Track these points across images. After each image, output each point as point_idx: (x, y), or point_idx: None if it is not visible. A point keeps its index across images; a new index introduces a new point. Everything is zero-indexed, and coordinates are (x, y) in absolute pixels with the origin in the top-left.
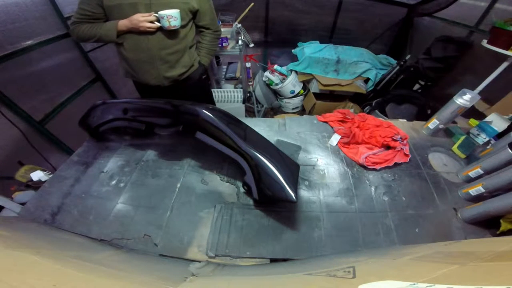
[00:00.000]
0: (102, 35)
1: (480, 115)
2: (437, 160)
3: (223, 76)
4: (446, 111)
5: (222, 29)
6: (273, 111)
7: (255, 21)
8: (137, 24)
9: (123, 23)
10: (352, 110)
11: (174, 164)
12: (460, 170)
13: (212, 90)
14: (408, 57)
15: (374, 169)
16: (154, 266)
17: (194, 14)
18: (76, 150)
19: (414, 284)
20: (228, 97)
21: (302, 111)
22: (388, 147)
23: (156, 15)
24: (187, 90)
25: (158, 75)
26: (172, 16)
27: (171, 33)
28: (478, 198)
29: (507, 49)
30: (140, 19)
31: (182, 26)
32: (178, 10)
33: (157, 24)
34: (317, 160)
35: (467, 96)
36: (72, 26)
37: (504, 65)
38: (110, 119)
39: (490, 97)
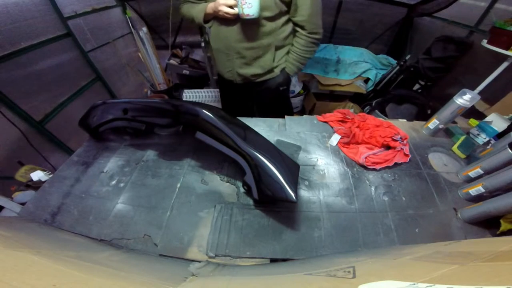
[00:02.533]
0: (194, 17)
1: (480, 115)
2: (437, 160)
3: None
4: (446, 111)
5: None
6: None
7: None
8: (217, 7)
9: (210, 6)
10: (352, 110)
11: (174, 164)
12: (460, 170)
13: (212, 90)
14: (408, 57)
15: (374, 169)
16: (154, 266)
17: (289, 5)
18: (76, 150)
19: (414, 284)
20: None
21: (302, 111)
22: (388, 147)
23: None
24: (262, 97)
25: (232, 69)
26: (246, 2)
27: (253, 25)
28: (478, 198)
29: (507, 49)
30: (220, 2)
31: (269, 19)
32: None
33: (235, 10)
34: (317, 160)
35: (467, 96)
36: (181, 5)
37: (504, 65)
38: (110, 119)
39: (490, 97)
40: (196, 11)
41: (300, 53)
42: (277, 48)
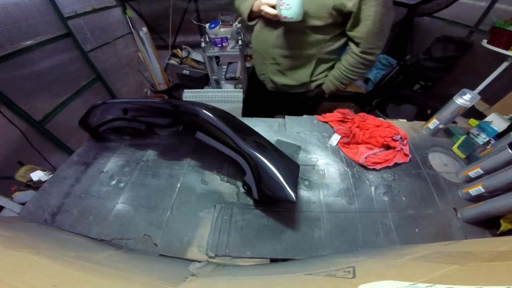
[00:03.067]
0: (241, 12)
1: (480, 115)
2: (437, 160)
3: (223, 76)
4: (446, 111)
5: (222, 29)
6: None
7: None
8: (260, 6)
9: (256, 4)
10: (352, 110)
11: (174, 164)
12: (460, 170)
13: (212, 90)
14: (408, 57)
15: (374, 169)
16: (154, 266)
17: (346, 17)
18: (76, 150)
19: (414, 284)
20: (228, 97)
21: None
22: (388, 147)
23: None
24: (288, 106)
25: (265, 74)
26: (284, 3)
27: (296, 32)
28: (478, 198)
29: (507, 49)
30: (263, 1)
31: (317, 29)
32: None
33: (275, 11)
34: (317, 160)
35: (467, 96)
36: None
37: (504, 65)
38: (110, 119)
39: (490, 97)
40: (244, 7)
41: (345, 72)
42: (320, 61)
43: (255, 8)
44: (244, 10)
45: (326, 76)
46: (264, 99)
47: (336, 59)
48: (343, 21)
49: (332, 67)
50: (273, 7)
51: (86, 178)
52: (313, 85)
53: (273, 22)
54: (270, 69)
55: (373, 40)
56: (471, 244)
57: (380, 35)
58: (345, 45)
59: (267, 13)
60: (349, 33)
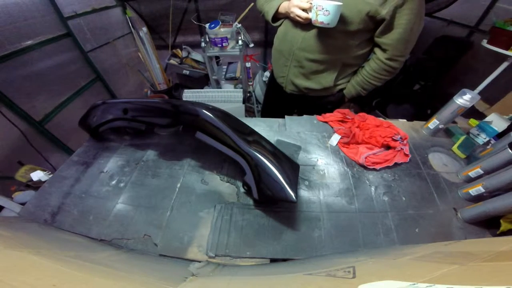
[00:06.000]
0: (265, 12)
1: (480, 115)
2: (437, 160)
3: (223, 76)
4: (446, 111)
5: (222, 29)
6: None
7: (255, 21)
8: (290, 8)
9: (283, 5)
10: (352, 110)
11: (174, 164)
12: (460, 170)
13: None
14: (408, 57)
15: (374, 169)
16: (154, 266)
17: (377, 23)
18: (76, 150)
19: (414, 284)
20: (228, 97)
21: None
22: (388, 147)
23: (312, 3)
24: (306, 109)
25: (286, 76)
26: (322, 8)
27: (325, 37)
28: (478, 198)
29: (507, 49)
30: (294, 3)
31: (347, 33)
32: (338, 4)
33: (308, 14)
34: (317, 160)
35: (467, 96)
36: None
37: (504, 65)
38: (110, 119)
39: (490, 97)
40: (269, 7)
41: (368, 77)
42: (345, 66)
43: (281, 10)
44: (269, 10)
45: (349, 81)
46: (282, 104)
47: (361, 64)
48: (374, 27)
49: (356, 72)
50: (304, 10)
51: (86, 178)
52: (335, 89)
53: (301, 24)
54: (293, 71)
55: (401, 48)
56: (471, 244)
57: (409, 43)
58: (372, 51)
59: (298, 15)
60: (378, 39)
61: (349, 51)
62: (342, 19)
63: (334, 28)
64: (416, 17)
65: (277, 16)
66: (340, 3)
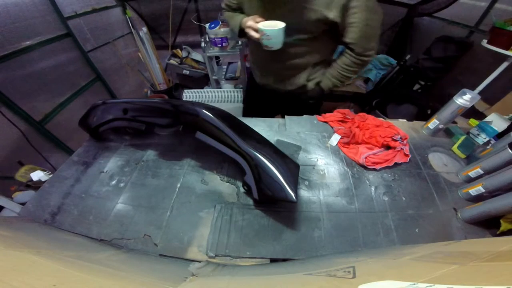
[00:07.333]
0: (232, 28)
1: (480, 115)
2: (437, 160)
3: (223, 76)
4: (446, 111)
5: (222, 29)
6: None
7: None
8: (245, 28)
9: (243, 22)
10: (352, 110)
11: (174, 164)
12: (460, 170)
13: (212, 90)
14: (408, 57)
15: (374, 169)
16: (154, 266)
17: (333, 25)
18: (76, 150)
19: (414, 284)
20: (228, 97)
21: None
22: (388, 147)
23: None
24: (289, 107)
25: (266, 80)
26: (265, 33)
27: (287, 45)
28: (478, 198)
29: (507, 49)
30: (247, 24)
31: (307, 40)
32: (279, 28)
33: (258, 35)
34: (317, 160)
35: (467, 96)
36: (223, 11)
37: (504, 65)
38: (110, 119)
39: (490, 97)
40: (233, 23)
41: (341, 70)
42: (315, 65)
43: (243, 26)
44: (234, 27)
45: (323, 74)
46: (264, 100)
47: (331, 58)
48: (331, 27)
49: (328, 64)
50: (256, 30)
51: (86, 178)
52: (311, 84)
53: None
54: (270, 80)
55: (365, 44)
56: (471, 244)
57: (371, 38)
58: (338, 43)
59: (251, 36)
60: (343, 39)
61: (317, 52)
62: (297, 30)
63: (294, 38)
64: (368, 13)
65: (242, 33)
66: (281, 26)
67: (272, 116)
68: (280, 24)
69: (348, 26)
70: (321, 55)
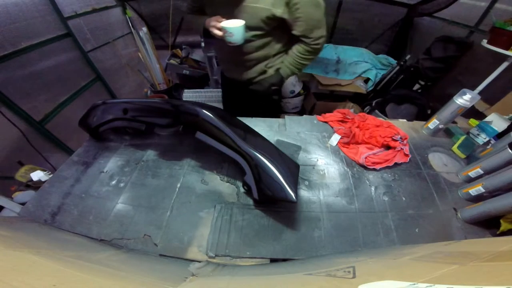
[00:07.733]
0: (196, 27)
1: (480, 115)
2: (437, 160)
3: None
4: (446, 111)
5: None
6: None
7: None
8: (208, 27)
9: (206, 23)
10: (352, 110)
11: (174, 164)
12: (460, 170)
13: (212, 90)
14: (408, 57)
15: (374, 169)
16: (154, 266)
17: (282, 21)
18: (76, 150)
19: (414, 284)
20: None
21: (302, 111)
22: (388, 147)
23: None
24: (253, 95)
25: (236, 74)
26: (227, 31)
27: (245, 41)
28: (478, 198)
29: (507, 49)
30: (210, 24)
31: (263, 35)
32: (239, 25)
33: (221, 33)
34: (317, 160)
35: (467, 96)
36: (186, 14)
37: (504, 65)
38: (110, 119)
39: (490, 97)
40: (197, 24)
41: (297, 58)
42: (275, 55)
43: (206, 27)
44: (198, 27)
45: (281, 61)
46: (235, 94)
47: (287, 47)
48: (282, 22)
49: (285, 52)
50: (219, 29)
51: (86, 178)
52: (271, 70)
53: None
54: (238, 70)
55: (312, 35)
56: (471, 244)
57: (317, 29)
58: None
59: (215, 34)
60: (293, 32)
61: (270, 46)
62: (253, 27)
63: (251, 36)
64: (310, 6)
65: (206, 32)
66: (241, 24)
67: (246, 110)
68: (241, 22)
69: (294, 21)
70: (280, 46)
